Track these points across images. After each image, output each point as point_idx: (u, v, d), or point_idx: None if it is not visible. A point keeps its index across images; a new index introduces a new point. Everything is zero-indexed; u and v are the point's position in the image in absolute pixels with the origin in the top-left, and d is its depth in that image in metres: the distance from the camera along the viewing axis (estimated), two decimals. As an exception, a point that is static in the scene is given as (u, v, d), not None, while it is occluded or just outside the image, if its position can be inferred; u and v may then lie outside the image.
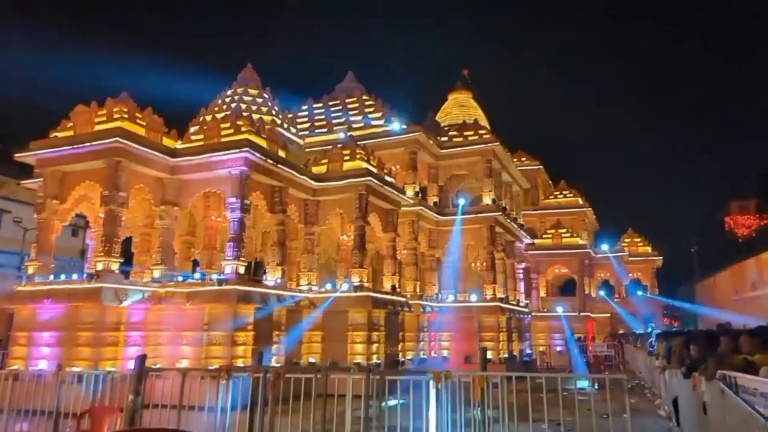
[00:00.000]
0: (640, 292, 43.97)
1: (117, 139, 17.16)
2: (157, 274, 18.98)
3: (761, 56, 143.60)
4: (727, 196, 68.16)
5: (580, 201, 44.47)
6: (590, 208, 45.36)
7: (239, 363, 16.77)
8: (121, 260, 17.56)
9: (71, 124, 18.63)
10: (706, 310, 45.21)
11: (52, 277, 18.13)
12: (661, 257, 45.48)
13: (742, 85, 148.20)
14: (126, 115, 17.96)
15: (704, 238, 60.42)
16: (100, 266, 16.94)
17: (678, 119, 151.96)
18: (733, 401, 5.48)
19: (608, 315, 40.80)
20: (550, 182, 48.23)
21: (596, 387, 10.10)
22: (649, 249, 45.38)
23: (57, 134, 18.81)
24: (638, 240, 45.67)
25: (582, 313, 38.77)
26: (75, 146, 17.86)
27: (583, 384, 12.32)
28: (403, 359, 23.61)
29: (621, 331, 37.49)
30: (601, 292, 43.74)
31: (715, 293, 44.77)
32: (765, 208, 59.19)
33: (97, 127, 17.94)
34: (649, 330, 33.54)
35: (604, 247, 44.81)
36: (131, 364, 9.57)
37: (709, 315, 41.19)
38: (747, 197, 64.28)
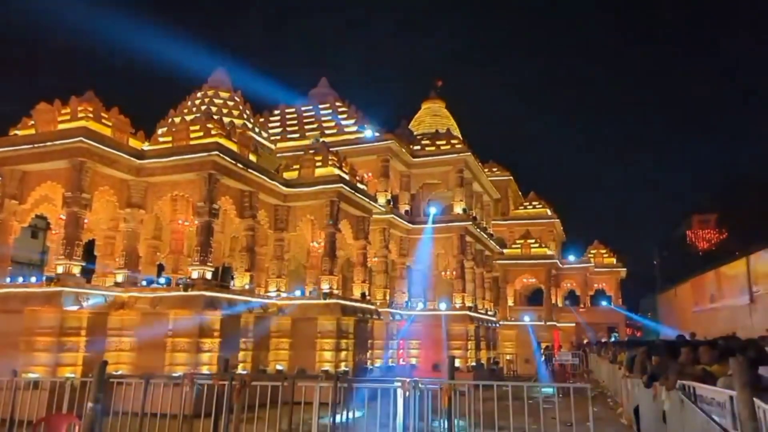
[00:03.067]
0: (604, 303, 44.79)
1: (81, 138, 16.75)
2: (120, 278, 18.56)
3: (725, 76, 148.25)
4: (689, 211, 70.05)
5: (549, 212, 45.18)
6: (558, 220, 46.12)
7: (204, 370, 16.48)
8: (83, 263, 17.10)
9: (32, 122, 18.13)
10: (660, 326, 46.38)
11: (8, 279, 17.59)
12: (625, 269, 46.45)
13: (705, 104, 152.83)
14: (91, 115, 17.55)
15: (667, 250, 61.93)
16: (60, 269, 16.46)
17: (644, 135, 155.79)
18: (691, 410, 5.60)
19: (573, 324, 41.45)
20: (520, 193, 48.94)
21: (560, 395, 10.22)
22: (614, 260, 46.29)
23: (17, 132, 18.29)
24: (603, 251, 46.56)
25: (548, 323, 39.31)
26: (36, 145, 17.38)
27: (548, 390, 12.45)
28: (371, 367, 23.53)
29: (586, 341, 38.08)
30: (567, 302, 44.42)
31: (676, 305, 45.80)
32: (724, 223, 60.98)
33: (61, 126, 17.48)
34: (612, 340, 34.16)
35: (571, 257, 45.58)
36: (92, 371, 9.32)
37: (668, 327, 42.22)
38: (708, 212, 66.16)
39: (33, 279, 17.88)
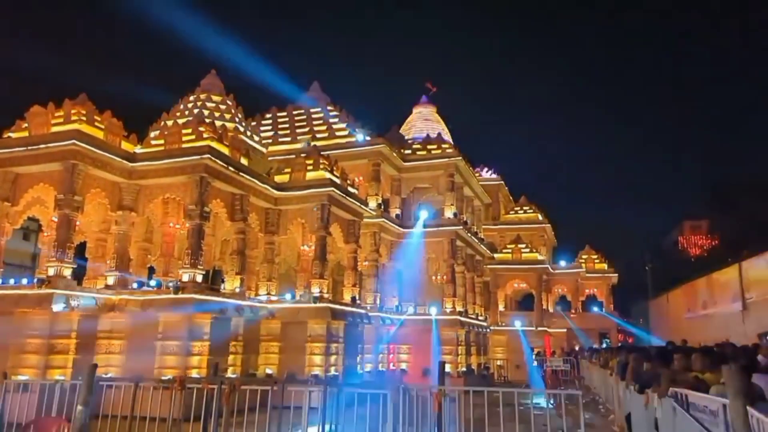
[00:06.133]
0: (596, 308, 44.90)
1: (74, 141, 16.68)
2: (111, 280, 18.47)
3: (714, 80, 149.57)
4: (680, 217, 70.41)
5: (540, 217, 45.30)
6: (549, 224, 46.23)
7: (194, 374, 16.39)
8: (74, 266, 17.00)
9: (26, 125, 18.05)
10: (651, 332, 46.57)
11: (0, 281, 17.46)
12: (616, 274, 46.52)
13: (696, 109, 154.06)
14: (84, 118, 17.49)
15: (658, 256, 62.18)
16: (51, 272, 16.36)
17: (636, 140, 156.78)
18: (683, 418, 5.61)
19: (565, 330, 41.51)
20: (511, 198, 49.05)
21: (551, 403, 10.22)
22: (605, 266, 46.36)
23: (11, 135, 18.21)
24: (595, 257, 46.65)
25: (539, 328, 39.39)
26: (29, 147, 17.30)
27: (540, 401, 12.45)
28: (361, 372, 23.47)
29: (577, 347, 38.16)
30: (558, 308, 44.50)
31: (668, 311, 45.95)
32: (716, 229, 61.31)
33: (54, 129, 17.41)
34: (604, 346, 34.26)
35: (562, 263, 45.69)
36: (81, 374, 9.25)
37: (659, 334, 42.38)
38: (699, 218, 66.44)
39: (24, 281, 17.74)
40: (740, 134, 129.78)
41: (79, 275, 18.35)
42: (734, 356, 7.11)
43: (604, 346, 34.36)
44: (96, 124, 17.93)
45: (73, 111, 17.53)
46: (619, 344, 36.45)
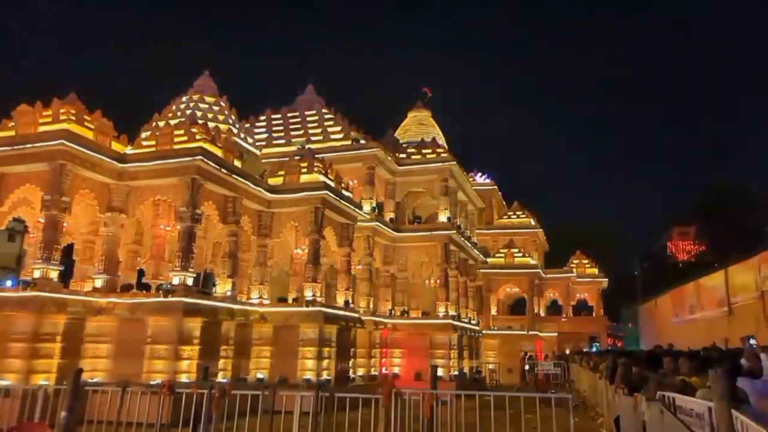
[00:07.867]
0: (586, 313, 45.13)
1: (62, 141, 16.51)
2: (99, 283, 18.28)
3: (705, 88, 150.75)
4: (669, 223, 70.93)
5: (532, 222, 45.52)
6: (541, 229, 46.46)
7: (183, 378, 16.26)
8: (61, 268, 16.79)
9: (12, 123, 17.84)
10: (640, 336, 46.76)
11: (-16, 283, 17.28)
12: (606, 279, 46.84)
13: (687, 116, 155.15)
14: (73, 117, 17.31)
15: (648, 261, 62.63)
16: (37, 274, 16.16)
17: (627, 146, 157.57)
18: (671, 421, 5.61)
19: (556, 334, 41.67)
20: (504, 203, 49.23)
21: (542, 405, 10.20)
22: (595, 270, 46.69)
23: (-3, 134, 18.02)
24: (586, 261, 46.95)
25: (531, 332, 39.47)
26: (15, 147, 17.11)
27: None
28: (353, 376, 23.39)
29: (567, 351, 38.27)
30: (550, 311, 44.74)
31: (656, 315, 46.21)
32: (704, 235, 61.78)
33: (42, 128, 17.22)
34: (594, 349, 34.37)
35: (554, 267, 45.91)
36: (66, 378, 9.15)
37: (648, 338, 42.60)
38: (687, 224, 66.99)
39: (9, 283, 17.54)
40: (728, 142, 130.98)
41: (66, 277, 18.16)
42: (720, 360, 7.12)
43: (594, 349, 34.48)
44: (85, 123, 17.76)
45: (61, 110, 17.34)
46: (608, 348, 36.60)
